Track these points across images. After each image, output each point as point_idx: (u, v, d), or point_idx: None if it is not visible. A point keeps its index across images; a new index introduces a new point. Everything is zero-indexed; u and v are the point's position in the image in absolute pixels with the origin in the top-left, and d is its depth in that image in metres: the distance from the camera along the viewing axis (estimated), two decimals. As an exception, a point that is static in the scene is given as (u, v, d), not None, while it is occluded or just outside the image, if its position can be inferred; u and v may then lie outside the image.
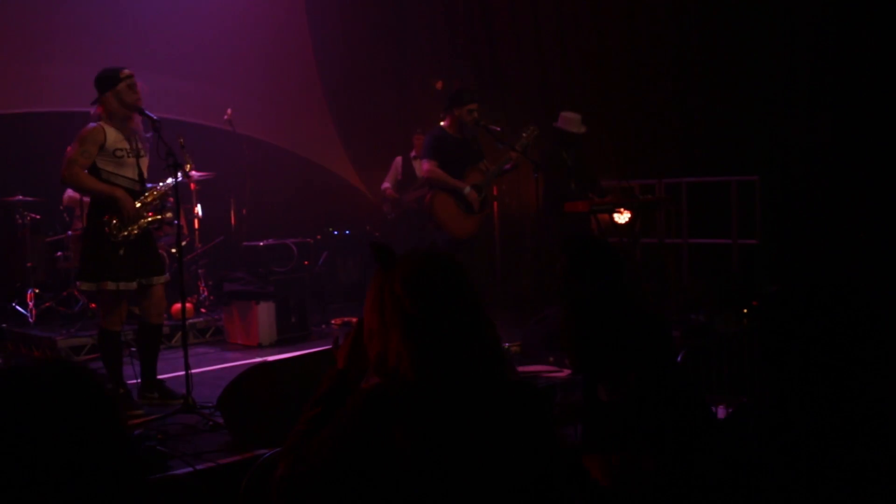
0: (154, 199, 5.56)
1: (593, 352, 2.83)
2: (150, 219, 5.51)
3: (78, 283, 5.80)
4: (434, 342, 2.03)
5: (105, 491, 1.47)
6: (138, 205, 5.44)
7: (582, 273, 3.47)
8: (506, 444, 2.01)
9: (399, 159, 9.25)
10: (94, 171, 5.39)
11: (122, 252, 5.37)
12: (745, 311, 6.74)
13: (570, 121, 7.82)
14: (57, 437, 1.46)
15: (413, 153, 9.16)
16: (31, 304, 7.67)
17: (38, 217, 8.08)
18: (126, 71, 5.43)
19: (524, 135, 7.22)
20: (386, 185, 9.18)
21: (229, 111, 8.83)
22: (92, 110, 5.43)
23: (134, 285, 5.44)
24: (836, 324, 2.01)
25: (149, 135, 5.50)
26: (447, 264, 2.12)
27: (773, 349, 2.08)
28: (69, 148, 5.37)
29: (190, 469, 4.10)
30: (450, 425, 1.97)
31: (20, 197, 7.88)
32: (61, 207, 8.18)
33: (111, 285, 5.36)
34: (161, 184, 5.61)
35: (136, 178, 5.51)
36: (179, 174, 5.35)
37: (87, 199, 7.50)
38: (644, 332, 2.91)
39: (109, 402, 1.55)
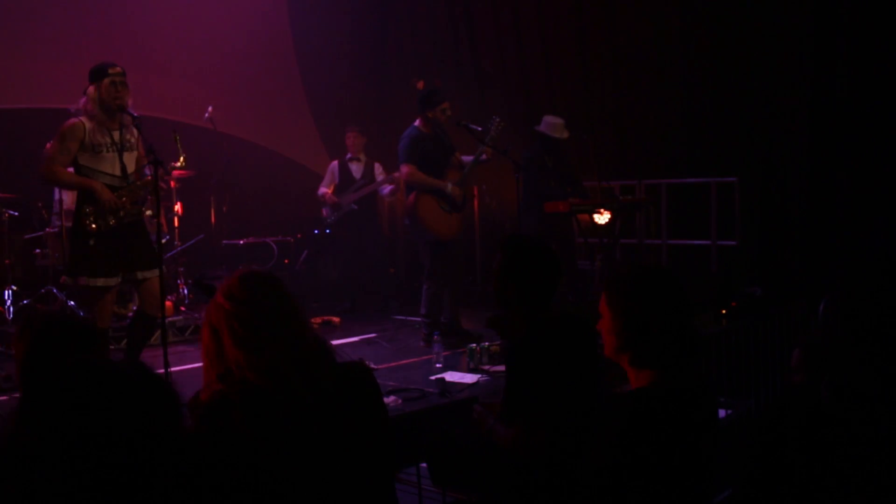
0: (138, 190, 5.52)
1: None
2: (128, 212, 5.46)
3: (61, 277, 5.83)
4: (262, 342, 2.23)
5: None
6: (124, 199, 5.42)
7: (516, 274, 3.42)
8: (342, 414, 2.28)
9: (335, 163, 9.24)
10: (76, 166, 5.41)
11: (92, 242, 5.34)
12: (724, 312, 6.78)
13: (553, 126, 7.84)
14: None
15: (348, 155, 9.15)
16: (8, 301, 7.62)
17: (16, 214, 8.02)
18: (116, 68, 5.40)
19: (491, 128, 7.24)
20: (324, 189, 9.13)
21: (210, 109, 8.80)
22: (80, 102, 5.41)
23: (115, 281, 5.41)
24: None
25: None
26: (262, 275, 2.37)
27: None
28: (49, 145, 5.36)
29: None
30: (291, 410, 2.19)
31: (-2, 193, 7.83)
32: (46, 212, 8.16)
33: (84, 280, 5.35)
34: (143, 178, 5.60)
35: (118, 172, 5.48)
36: (170, 166, 5.35)
37: (66, 196, 7.55)
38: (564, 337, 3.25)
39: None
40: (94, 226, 5.36)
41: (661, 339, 2.50)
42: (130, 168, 5.55)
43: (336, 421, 2.27)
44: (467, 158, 7.30)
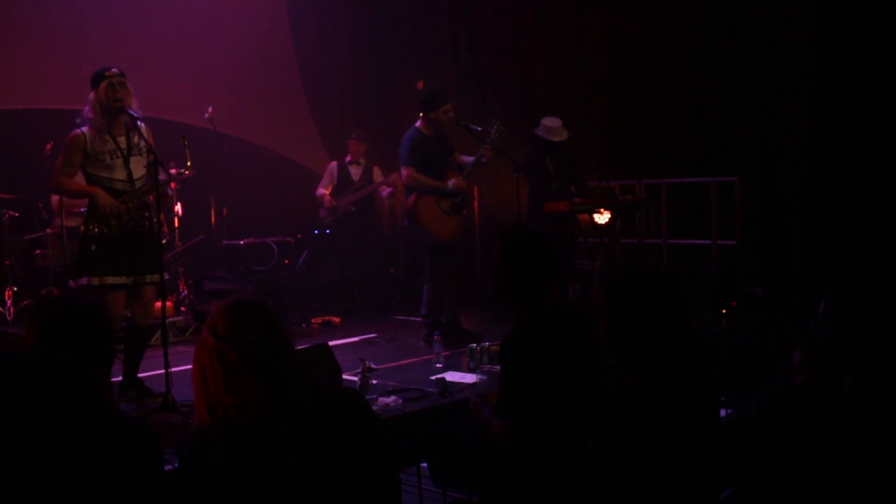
0: (141, 197, 5.52)
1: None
2: (132, 214, 5.46)
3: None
4: (242, 380, 2.18)
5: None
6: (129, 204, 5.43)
7: (514, 266, 3.41)
8: (331, 448, 2.21)
9: (334, 164, 9.24)
10: (85, 175, 5.49)
11: (94, 248, 5.36)
12: (724, 311, 6.78)
13: (550, 129, 7.81)
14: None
15: (348, 158, 9.15)
16: (9, 302, 7.62)
17: (16, 215, 8.03)
18: (112, 70, 5.40)
19: (492, 131, 7.24)
20: (322, 190, 9.12)
21: (210, 109, 8.80)
22: (84, 109, 5.43)
23: (120, 280, 5.41)
24: None
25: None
26: (247, 307, 2.29)
27: None
28: (48, 146, 5.38)
29: (170, 467, 4.09)
30: (272, 448, 2.14)
31: (-1, 194, 7.84)
32: (45, 211, 8.17)
33: (87, 280, 5.36)
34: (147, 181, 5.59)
35: (124, 178, 5.48)
36: (175, 171, 5.35)
37: (68, 201, 7.56)
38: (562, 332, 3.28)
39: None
40: (96, 230, 5.37)
41: (653, 340, 2.53)
42: (138, 173, 5.54)
43: (324, 456, 2.20)
44: (468, 159, 7.30)
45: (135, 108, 5.40)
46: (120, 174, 5.47)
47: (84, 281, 5.38)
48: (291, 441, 2.17)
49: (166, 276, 6.07)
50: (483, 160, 7.24)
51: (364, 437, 2.30)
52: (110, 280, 5.38)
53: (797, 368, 3.85)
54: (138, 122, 5.40)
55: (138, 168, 5.53)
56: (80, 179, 5.64)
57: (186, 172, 5.79)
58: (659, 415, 2.47)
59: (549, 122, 7.87)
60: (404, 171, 7.16)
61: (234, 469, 2.12)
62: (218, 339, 2.22)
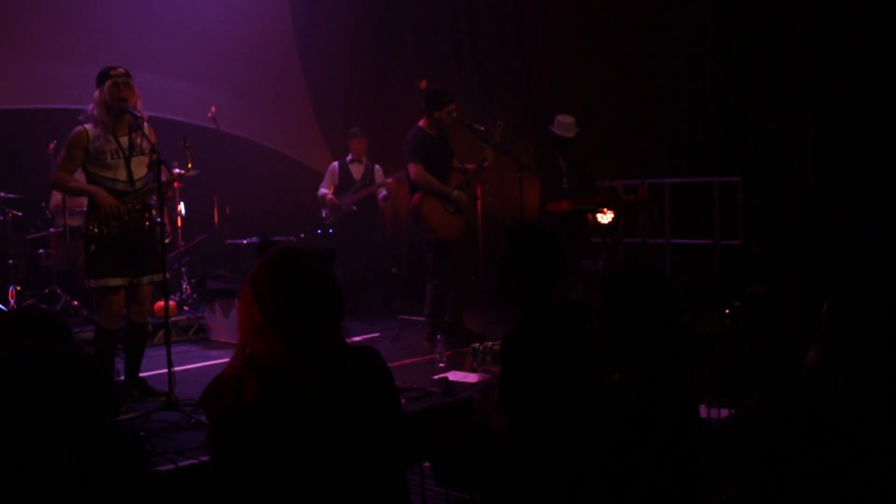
0: (142, 198, 5.51)
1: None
2: (132, 215, 5.44)
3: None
4: (291, 331, 2.31)
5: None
6: (129, 205, 5.43)
7: (519, 263, 3.39)
8: (355, 400, 2.34)
9: (335, 164, 9.21)
10: (86, 173, 5.48)
11: (93, 248, 5.35)
12: (727, 311, 6.77)
13: (562, 125, 7.85)
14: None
15: (349, 157, 9.14)
16: (12, 301, 7.62)
17: (19, 214, 8.03)
18: (118, 70, 5.40)
19: (495, 132, 7.24)
20: (324, 190, 9.11)
21: (213, 109, 8.80)
22: (88, 107, 5.43)
23: (120, 281, 5.40)
24: None
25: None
26: (291, 255, 2.43)
27: None
28: (51, 145, 5.38)
29: (172, 466, 4.10)
30: (303, 395, 2.25)
31: (1, 193, 7.83)
32: (48, 210, 8.17)
33: (90, 283, 5.38)
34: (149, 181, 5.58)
35: (125, 178, 5.46)
36: (178, 171, 5.34)
37: (70, 201, 7.57)
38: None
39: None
40: (96, 231, 5.36)
41: (646, 337, 2.54)
42: (139, 173, 5.53)
43: (348, 407, 2.31)
44: (470, 167, 7.31)
45: (139, 108, 5.40)
46: (121, 174, 5.45)
47: (91, 283, 5.39)
48: (315, 387, 2.27)
49: (168, 276, 6.06)
50: (484, 165, 7.25)
51: (382, 389, 2.46)
52: (111, 282, 5.37)
53: (811, 366, 3.84)
54: (142, 122, 5.39)
55: (139, 169, 5.52)
56: (79, 177, 5.64)
57: (186, 173, 5.78)
58: (651, 411, 2.47)
59: (563, 118, 7.91)
60: (412, 169, 7.15)
61: (261, 408, 2.20)
62: (258, 284, 2.35)
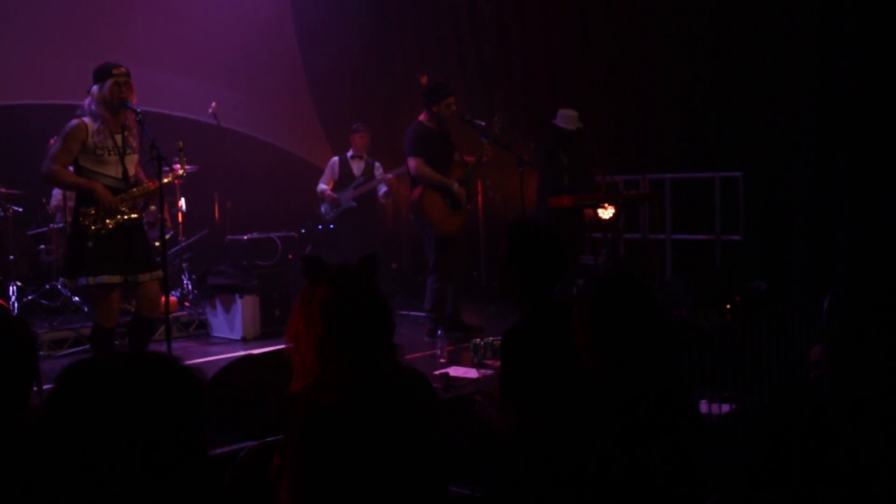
0: (136, 197, 5.50)
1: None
2: (128, 216, 5.42)
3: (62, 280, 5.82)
4: (345, 355, 2.34)
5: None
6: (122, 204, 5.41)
7: (520, 261, 3.39)
8: (406, 422, 2.36)
9: (335, 159, 9.18)
10: (76, 167, 5.39)
11: (90, 244, 5.31)
12: (729, 306, 6.77)
13: (565, 117, 7.80)
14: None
15: (350, 152, 9.11)
16: (13, 297, 7.62)
17: (20, 210, 8.02)
18: (120, 68, 5.36)
19: (494, 127, 7.24)
20: (323, 185, 9.08)
21: (214, 105, 8.79)
22: (85, 102, 5.40)
23: (117, 279, 5.38)
24: None
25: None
26: (361, 288, 2.44)
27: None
28: (52, 141, 5.35)
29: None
30: (368, 413, 2.29)
31: (2, 189, 7.83)
32: (49, 209, 8.17)
33: (85, 280, 5.34)
34: (145, 182, 5.57)
35: (119, 176, 5.44)
36: (179, 170, 5.33)
37: (71, 203, 7.56)
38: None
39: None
40: (93, 227, 5.33)
41: (627, 345, 2.54)
42: (131, 172, 5.52)
43: (397, 427, 2.34)
44: (469, 159, 7.31)
45: (133, 104, 5.38)
46: (115, 171, 5.43)
47: (83, 281, 5.35)
48: (373, 411, 2.30)
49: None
50: (483, 159, 7.25)
51: (429, 414, 2.46)
52: (106, 279, 5.34)
53: (815, 363, 3.84)
54: (138, 118, 5.37)
55: (131, 167, 5.52)
56: None
57: (177, 180, 5.78)
58: (636, 416, 2.48)
59: (566, 111, 7.86)
60: (412, 163, 7.15)
61: (347, 437, 2.24)
62: (323, 305, 2.36)
